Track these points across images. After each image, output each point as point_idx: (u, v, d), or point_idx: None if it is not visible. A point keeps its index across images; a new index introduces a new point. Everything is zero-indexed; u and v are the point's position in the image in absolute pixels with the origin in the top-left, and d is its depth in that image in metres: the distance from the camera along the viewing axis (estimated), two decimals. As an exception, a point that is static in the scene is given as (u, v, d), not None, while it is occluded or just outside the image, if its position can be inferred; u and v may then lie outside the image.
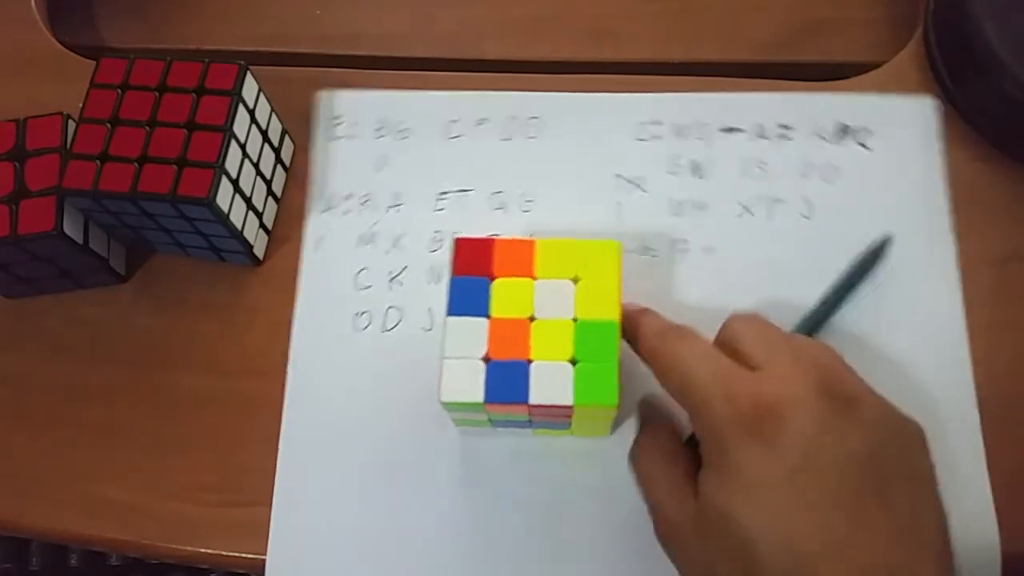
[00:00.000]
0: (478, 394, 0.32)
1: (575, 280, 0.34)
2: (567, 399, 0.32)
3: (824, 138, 0.42)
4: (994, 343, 0.38)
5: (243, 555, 0.37)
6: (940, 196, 0.40)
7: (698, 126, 0.42)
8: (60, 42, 0.47)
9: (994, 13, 0.39)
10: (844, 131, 0.42)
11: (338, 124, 0.44)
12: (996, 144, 0.41)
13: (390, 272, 0.41)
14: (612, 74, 0.44)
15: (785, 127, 0.42)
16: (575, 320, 0.33)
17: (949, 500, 0.31)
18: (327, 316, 0.40)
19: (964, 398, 0.37)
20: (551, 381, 0.32)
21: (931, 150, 0.41)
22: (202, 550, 0.37)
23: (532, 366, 0.32)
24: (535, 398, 0.32)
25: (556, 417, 0.34)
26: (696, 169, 0.41)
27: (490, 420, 0.35)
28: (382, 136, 0.43)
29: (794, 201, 0.41)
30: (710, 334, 0.37)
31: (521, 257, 0.34)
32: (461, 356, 0.32)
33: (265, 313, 0.41)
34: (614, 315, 0.33)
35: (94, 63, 0.38)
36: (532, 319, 0.33)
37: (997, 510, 0.35)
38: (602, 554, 0.36)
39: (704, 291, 0.39)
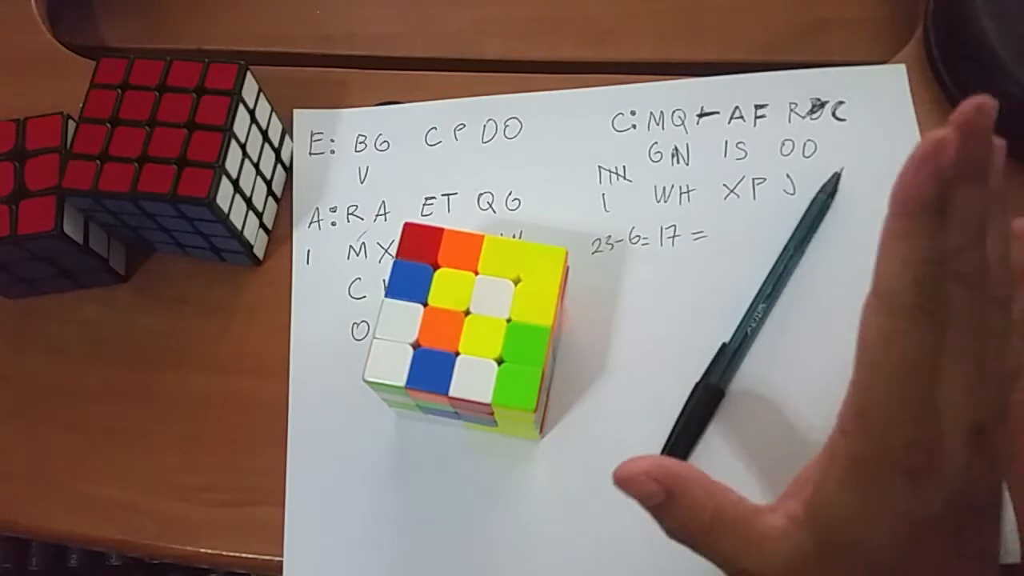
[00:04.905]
0: (401, 378, 0.32)
1: (516, 281, 0.34)
2: (486, 397, 0.32)
3: (799, 114, 0.42)
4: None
5: (243, 555, 0.37)
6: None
7: (674, 112, 0.43)
8: (60, 42, 0.47)
9: (994, 13, 0.39)
10: (818, 105, 0.42)
11: (317, 140, 0.44)
12: (996, 144, 0.41)
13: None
14: (613, 74, 0.44)
15: (760, 106, 0.42)
16: (509, 320, 0.33)
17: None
18: (325, 328, 0.40)
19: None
20: (474, 377, 0.32)
21: (906, 114, 0.42)
22: (202, 550, 0.37)
23: (458, 359, 0.33)
24: (455, 391, 0.32)
25: (478, 412, 0.34)
26: (677, 155, 0.42)
27: (418, 406, 0.36)
28: (363, 149, 0.43)
29: (777, 179, 0.41)
30: (711, 316, 0.38)
31: (467, 250, 0.34)
32: (391, 338, 0.33)
33: (265, 313, 0.41)
34: (548, 321, 0.33)
35: (94, 63, 0.38)
36: (467, 313, 0.33)
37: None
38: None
39: (699, 275, 0.40)
